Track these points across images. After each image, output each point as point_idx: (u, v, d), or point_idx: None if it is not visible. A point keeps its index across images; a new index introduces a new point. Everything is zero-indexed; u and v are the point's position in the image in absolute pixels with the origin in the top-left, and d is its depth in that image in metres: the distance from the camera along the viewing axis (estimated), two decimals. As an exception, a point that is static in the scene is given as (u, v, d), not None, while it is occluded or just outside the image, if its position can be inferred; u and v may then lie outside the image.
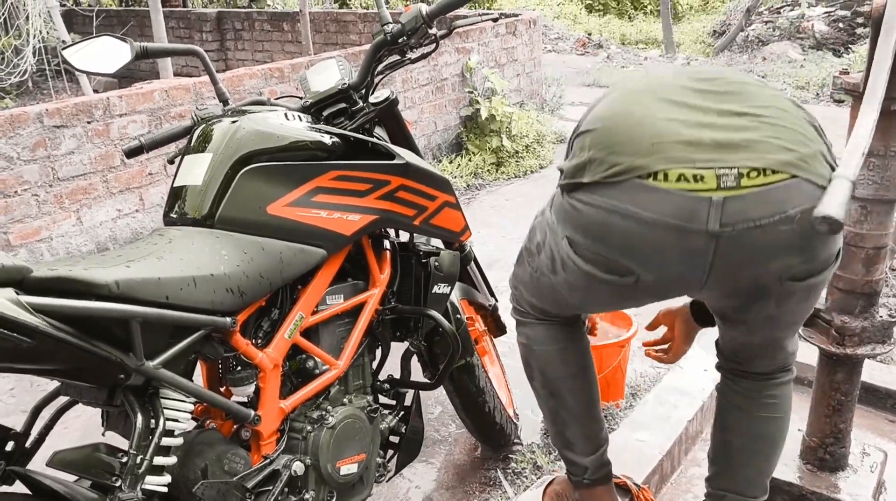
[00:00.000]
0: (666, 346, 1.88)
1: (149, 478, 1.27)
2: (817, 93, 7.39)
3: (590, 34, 11.78)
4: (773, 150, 1.21)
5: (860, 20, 8.52)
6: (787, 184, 1.21)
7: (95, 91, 6.00)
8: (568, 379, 1.68)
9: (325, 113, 1.75)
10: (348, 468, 1.64)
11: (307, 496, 1.57)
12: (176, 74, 5.47)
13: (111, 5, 11.27)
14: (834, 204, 1.11)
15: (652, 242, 1.25)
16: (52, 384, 1.40)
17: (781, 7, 10.04)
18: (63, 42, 6.44)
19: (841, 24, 8.70)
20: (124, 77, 6.92)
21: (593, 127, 1.32)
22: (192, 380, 1.39)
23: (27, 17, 7.18)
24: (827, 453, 2.05)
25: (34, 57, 7.32)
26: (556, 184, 1.42)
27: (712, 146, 1.21)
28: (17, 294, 1.07)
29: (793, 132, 1.24)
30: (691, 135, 1.23)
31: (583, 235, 1.33)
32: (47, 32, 7.22)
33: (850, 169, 1.18)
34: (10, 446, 1.34)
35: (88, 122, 3.70)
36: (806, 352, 2.56)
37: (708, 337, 1.86)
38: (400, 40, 1.72)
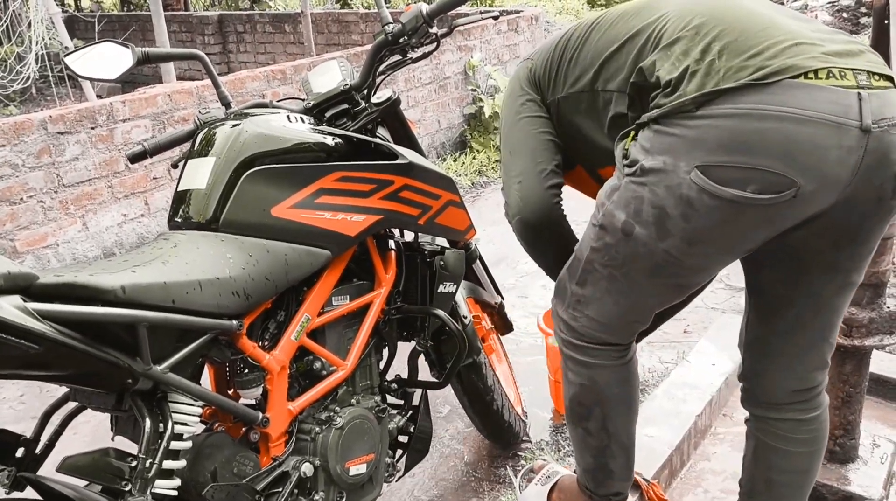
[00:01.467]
0: None
1: (158, 482, 1.27)
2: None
3: (592, 29, 11.73)
4: (878, 62, 1.25)
5: (864, 10, 8.48)
6: (893, 90, 1.24)
7: (99, 96, 6.02)
8: (629, 416, 1.58)
9: (328, 114, 1.75)
10: (357, 468, 1.65)
11: (317, 497, 1.58)
12: (179, 78, 5.48)
13: (113, 10, 11.30)
14: None
15: (813, 142, 1.17)
16: (62, 390, 1.41)
17: (784, -2, 10.00)
18: (66, 48, 6.46)
19: (845, 14, 8.67)
20: (127, 82, 6.95)
21: (703, 32, 1.25)
22: (199, 384, 1.39)
23: (29, 24, 7.21)
24: (837, 445, 2.04)
25: (37, 63, 7.34)
26: (649, 117, 1.28)
27: (837, 51, 1.22)
28: (24, 301, 1.07)
29: (871, 49, 1.28)
30: (817, 38, 1.23)
31: (727, 152, 1.19)
32: (50, 39, 7.25)
33: None
34: (20, 452, 1.35)
35: (92, 128, 3.71)
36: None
37: (715, 331, 1.86)
38: (401, 40, 1.72)
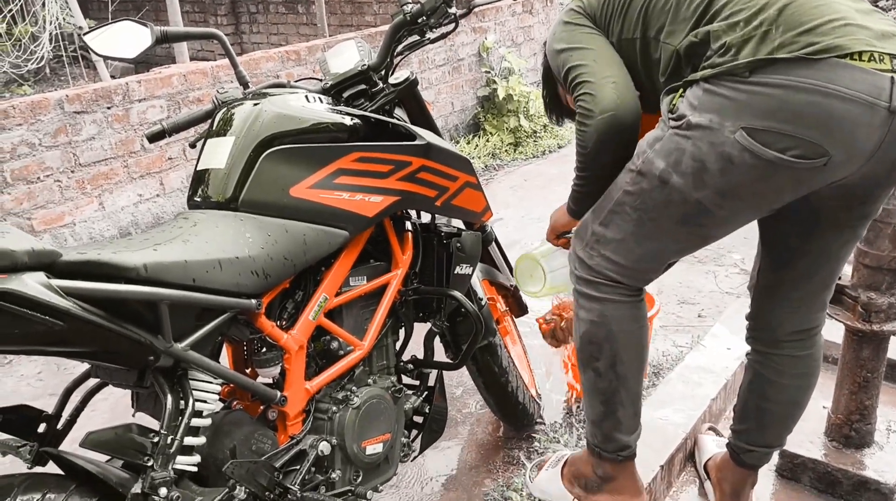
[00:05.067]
0: None
1: (179, 458, 1.29)
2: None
3: (606, 11, 11.64)
4: None
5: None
6: None
7: (112, 77, 6.02)
8: (638, 360, 1.64)
9: (345, 94, 1.75)
10: (374, 448, 1.66)
11: (334, 475, 1.59)
12: (191, 59, 5.48)
13: (126, -10, 11.26)
14: None
15: (849, 118, 1.28)
16: (79, 367, 1.42)
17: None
18: (79, 28, 6.46)
19: None
20: (140, 62, 6.94)
21: (760, 3, 1.33)
22: (218, 362, 1.40)
23: (43, 4, 7.21)
24: (852, 430, 2.04)
25: (51, 43, 7.35)
26: (701, 76, 1.35)
27: (879, 34, 1.31)
28: (48, 277, 1.08)
29: None
30: (862, 21, 1.31)
31: (774, 119, 1.30)
32: (63, 19, 7.25)
33: None
34: (42, 428, 1.37)
35: (108, 108, 3.72)
36: (832, 330, 2.55)
37: (730, 315, 1.85)
38: (419, 20, 1.71)
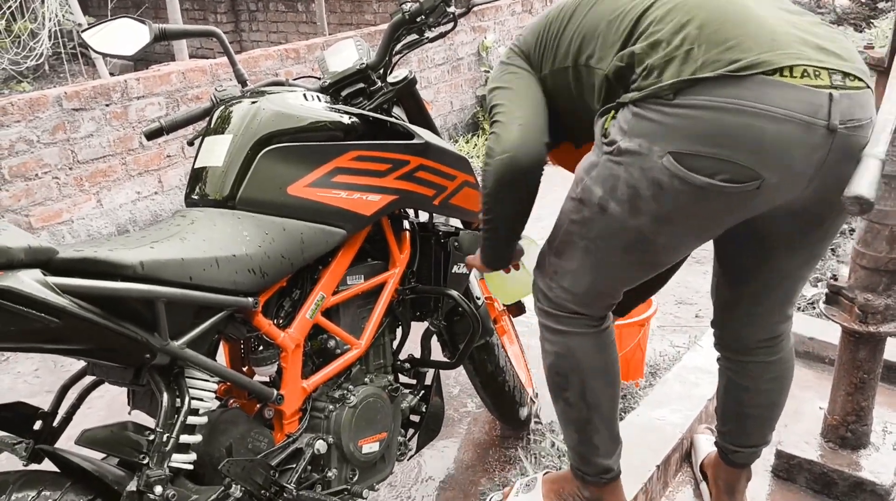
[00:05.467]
0: None
1: (175, 456, 1.29)
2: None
3: (606, 11, 11.63)
4: (855, 60, 1.28)
5: (882, -6, 8.36)
6: (866, 92, 1.29)
7: (112, 74, 6.02)
8: (608, 386, 1.61)
9: (344, 93, 1.74)
10: (370, 446, 1.66)
11: (330, 474, 1.59)
12: (191, 56, 5.47)
13: (126, -12, 11.23)
14: (865, 184, 1.15)
15: (782, 139, 1.21)
16: (76, 365, 1.42)
17: (801, -19, 9.86)
18: (79, 25, 6.45)
19: (862, 0, 8.55)
20: (140, 60, 6.93)
21: (686, 21, 1.26)
22: (215, 360, 1.40)
23: (42, 1, 7.20)
24: (849, 431, 2.04)
25: (50, 40, 7.34)
26: (630, 99, 1.30)
27: (816, 47, 1.25)
28: (45, 274, 1.08)
29: (852, 48, 1.31)
30: (797, 35, 1.25)
31: (701, 143, 1.23)
32: (63, 16, 7.24)
33: (880, 146, 1.22)
34: (38, 425, 1.37)
35: (107, 105, 3.72)
36: (829, 331, 2.55)
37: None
38: (418, 19, 1.71)
